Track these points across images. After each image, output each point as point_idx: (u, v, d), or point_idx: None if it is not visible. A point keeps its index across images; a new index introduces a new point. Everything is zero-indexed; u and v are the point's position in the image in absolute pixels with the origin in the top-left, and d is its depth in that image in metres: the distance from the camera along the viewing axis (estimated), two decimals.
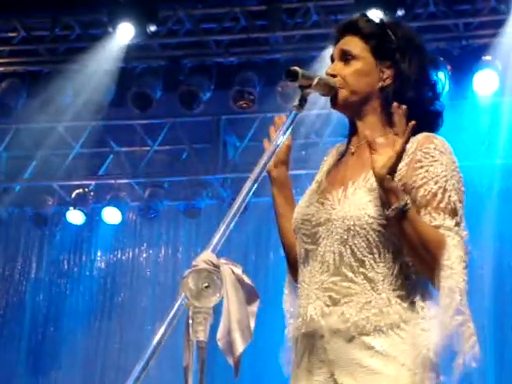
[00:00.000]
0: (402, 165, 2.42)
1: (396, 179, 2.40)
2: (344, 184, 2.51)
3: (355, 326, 2.40)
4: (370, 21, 2.64)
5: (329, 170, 2.66)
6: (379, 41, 2.59)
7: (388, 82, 2.57)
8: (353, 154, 2.58)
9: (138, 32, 7.01)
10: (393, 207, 2.34)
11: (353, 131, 2.63)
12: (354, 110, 2.59)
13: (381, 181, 2.35)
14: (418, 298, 2.42)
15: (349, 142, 2.65)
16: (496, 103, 7.03)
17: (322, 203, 2.52)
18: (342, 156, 2.67)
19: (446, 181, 2.41)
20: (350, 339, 2.40)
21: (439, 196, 2.40)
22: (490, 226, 6.99)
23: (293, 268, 2.67)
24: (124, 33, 7.05)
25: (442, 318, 2.31)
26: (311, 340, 2.47)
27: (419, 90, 2.56)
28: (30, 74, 7.67)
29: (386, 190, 2.35)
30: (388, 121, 2.53)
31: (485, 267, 7.01)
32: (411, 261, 2.42)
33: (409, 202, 2.35)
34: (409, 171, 2.45)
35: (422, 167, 2.43)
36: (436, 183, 2.41)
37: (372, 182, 2.44)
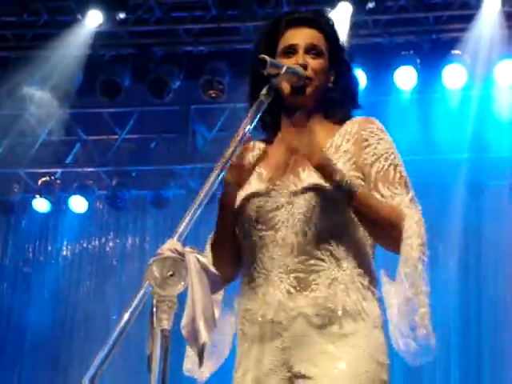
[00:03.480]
0: (348, 145, 2.54)
1: (346, 159, 2.51)
2: (293, 172, 2.53)
3: (322, 308, 2.41)
4: (330, 22, 2.68)
5: (263, 160, 2.63)
6: (336, 47, 2.66)
7: (331, 86, 2.64)
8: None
9: (107, 19, 6.95)
10: (341, 187, 2.40)
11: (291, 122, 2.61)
12: (314, 102, 2.61)
13: (322, 167, 2.40)
14: (372, 276, 2.49)
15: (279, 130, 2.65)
16: (464, 97, 7.07)
17: (274, 189, 2.53)
18: (271, 143, 2.67)
19: (394, 158, 2.54)
20: (312, 323, 2.41)
21: (392, 171, 2.50)
22: (457, 220, 7.02)
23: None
24: (93, 20, 6.99)
25: (401, 290, 2.34)
26: (265, 328, 2.46)
27: (347, 109, 2.66)
28: None
29: (327, 172, 2.40)
30: (329, 115, 2.64)
31: (450, 261, 7.05)
32: (377, 240, 2.48)
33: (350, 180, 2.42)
34: (357, 150, 2.53)
35: (369, 145, 2.54)
36: (386, 160, 2.52)
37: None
